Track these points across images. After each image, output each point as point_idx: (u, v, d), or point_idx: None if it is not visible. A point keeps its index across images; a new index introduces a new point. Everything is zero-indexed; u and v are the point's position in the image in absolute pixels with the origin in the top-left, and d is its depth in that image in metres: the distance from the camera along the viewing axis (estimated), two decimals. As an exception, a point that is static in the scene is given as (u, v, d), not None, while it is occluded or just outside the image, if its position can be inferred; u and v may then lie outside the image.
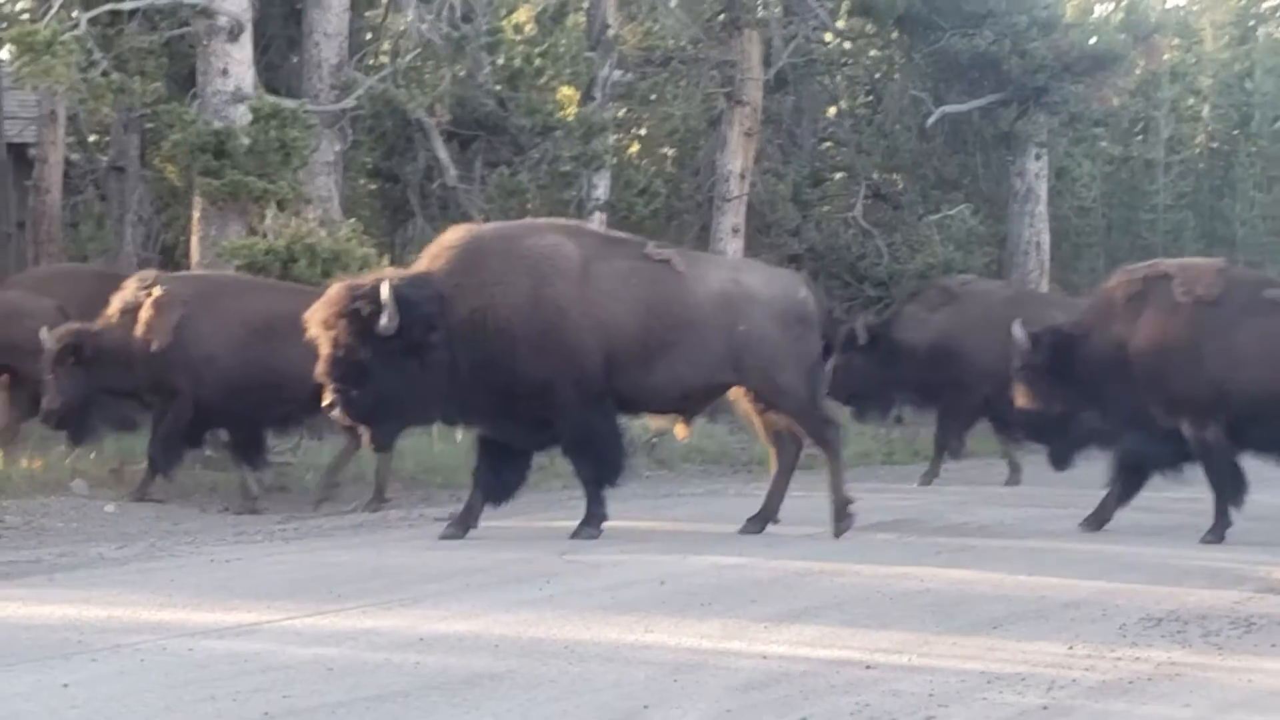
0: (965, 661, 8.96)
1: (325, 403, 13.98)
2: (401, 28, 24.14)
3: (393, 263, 22.45)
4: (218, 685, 8.15)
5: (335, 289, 13.97)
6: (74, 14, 19.39)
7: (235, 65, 19.88)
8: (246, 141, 19.43)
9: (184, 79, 22.07)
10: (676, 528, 15.30)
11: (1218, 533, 15.14)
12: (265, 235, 19.14)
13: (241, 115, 19.70)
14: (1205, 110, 44.28)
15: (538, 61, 22.96)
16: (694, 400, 15.06)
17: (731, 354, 14.54)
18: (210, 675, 8.38)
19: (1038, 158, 32.87)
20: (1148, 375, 15.18)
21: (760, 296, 14.78)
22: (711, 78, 28.86)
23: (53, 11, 19.10)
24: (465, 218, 22.88)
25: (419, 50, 22.99)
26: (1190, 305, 15.15)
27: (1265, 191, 42.11)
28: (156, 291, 16.87)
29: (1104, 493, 15.76)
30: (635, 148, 35.03)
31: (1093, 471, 16.51)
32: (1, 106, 26.28)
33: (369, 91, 21.96)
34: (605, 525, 14.47)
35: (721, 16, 29.50)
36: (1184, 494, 17.96)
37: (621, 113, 30.68)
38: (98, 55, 19.59)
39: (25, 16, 23.79)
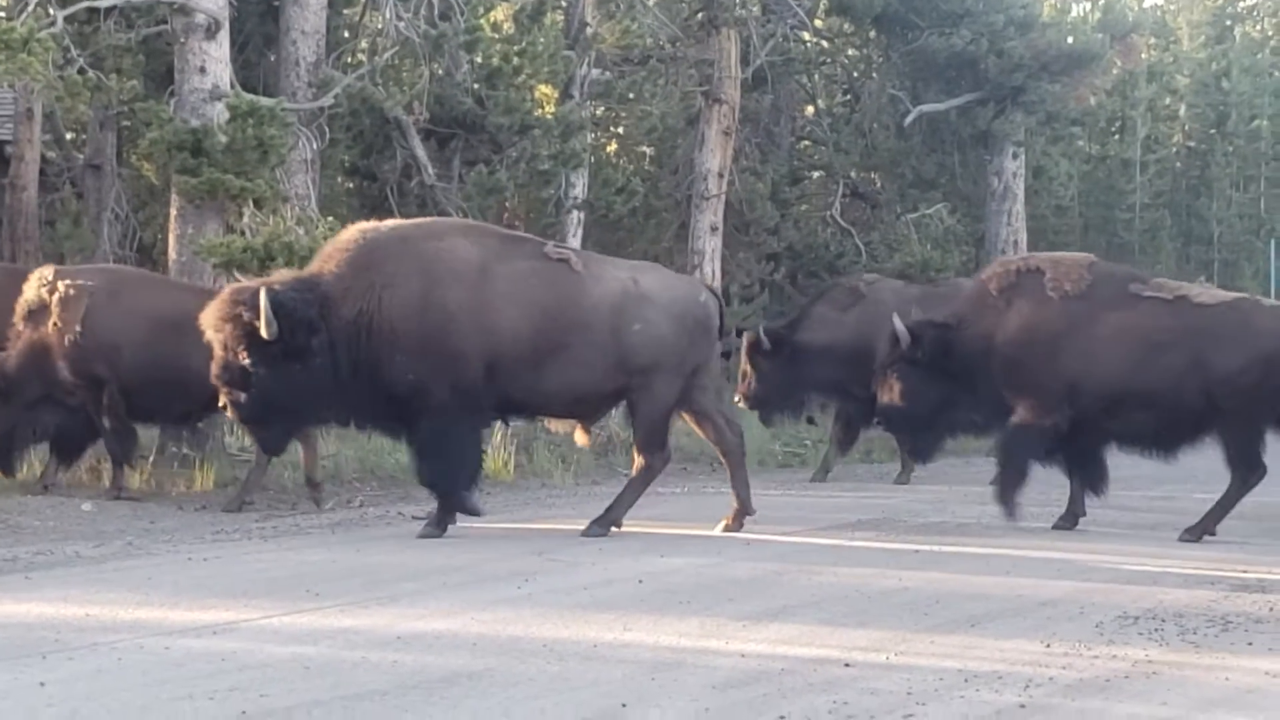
0: (943, 660, 8.97)
1: (220, 404, 14.23)
2: (379, 26, 24.11)
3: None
4: (195, 684, 8.14)
5: (224, 293, 14.07)
6: (50, 11, 19.32)
7: (212, 63, 19.82)
8: (224, 139, 19.38)
9: (161, 77, 22.03)
10: (655, 526, 15.28)
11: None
12: (243, 233, 19.10)
13: (219, 113, 19.65)
14: (1182, 109, 44.47)
15: (516, 60, 22.92)
16: (590, 403, 14.87)
17: (624, 356, 14.40)
18: (187, 674, 8.37)
19: (1015, 157, 32.96)
20: (1012, 366, 15.44)
21: (659, 298, 14.62)
22: (690, 76, 28.89)
23: (29, 9, 19.04)
24: (444, 215, 22.92)
25: (396, 48, 22.97)
26: (1058, 299, 15.41)
27: (1241, 190, 42.32)
28: (61, 287, 16.82)
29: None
30: (613, 146, 35.07)
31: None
32: (-23, 104, 26.24)
33: (346, 90, 21.93)
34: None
35: (699, 15, 29.52)
36: (1159, 492, 18.04)
37: (600, 111, 30.70)
38: (74, 53, 19.54)
39: (1, 14, 23.73)
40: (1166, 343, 15.09)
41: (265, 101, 20.23)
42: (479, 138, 23.54)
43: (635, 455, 15.07)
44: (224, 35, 19.97)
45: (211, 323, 13.85)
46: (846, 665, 8.81)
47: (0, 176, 25.84)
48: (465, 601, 10.70)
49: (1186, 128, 44.24)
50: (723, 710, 7.82)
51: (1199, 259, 41.63)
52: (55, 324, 16.71)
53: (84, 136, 27.33)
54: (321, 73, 22.15)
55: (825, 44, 34.76)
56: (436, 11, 22.64)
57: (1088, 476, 15.80)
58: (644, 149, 35.31)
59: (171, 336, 16.36)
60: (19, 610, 10.19)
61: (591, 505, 14.98)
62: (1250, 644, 9.67)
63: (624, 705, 7.86)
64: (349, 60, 24.23)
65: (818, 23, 33.77)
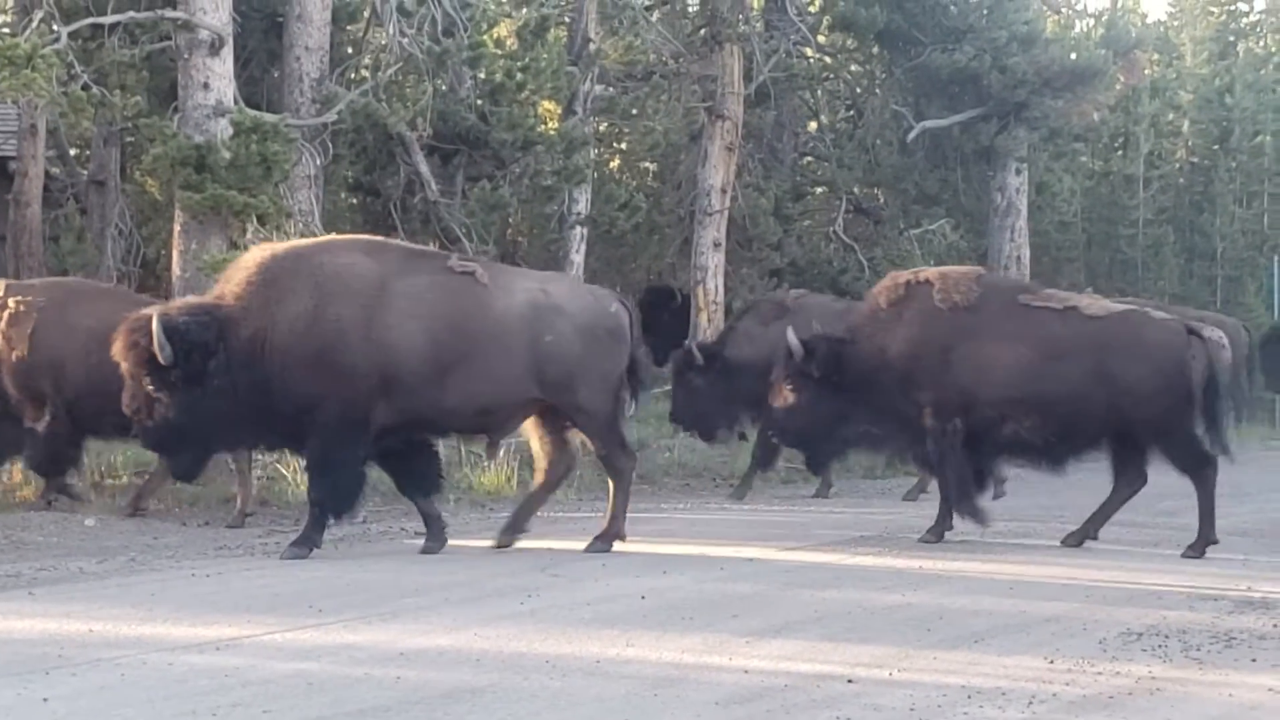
0: (946, 676, 8.97)
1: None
2: (383, 42, 24.15)
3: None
4: (198, 700, 8.14)
5: (125, 322, 14.02)
6: (55, 28, 19.36)
7: (216, 79, 19.85)
8: (227, 155, 19.41)
9: (165, 93, 22.08)
10: (658, 542, 15.27)
11: (937, 533, 15.74)
12: (246, 249, 19.11)
13: (222, 129, 19.68)
14: (1185, 125, 44.47)
15: (519, 76, 22.94)
16: (498, 416, 14.70)
17: (535, 367, 14.28)
18: (191, 690, 8.37)
19: (1018, 172, 32.96)
20: (904, 378, 15.58)
21: (568, 308, 14.49)
22: (693, 92, 28.92)
23: (33, 25, 19.09)
24: (446, 232, 22.96)
25: (400, 64, 23.00)
26: (948, 311, 15.55)
27: (1245, 206, 42.30)
28: (12, 304, 16.82)
29: (1097, 505, 15.87)
30: (616, 162, 35.13)
31: (1076, 485, 16.50)
32: (-18, 120, 26.28)
33: (350, 106, 21.95)
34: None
35: (703, 31, 29.57)
36: (1164, 506, 18.02)
37: (603, 127, 30.76)
38: (78, 69, 19.58)
39: (6, 30, 23.77)
40: (1058, 353, 15.34)
41: (269, 117, 20.26)
42: (482, 153, 23.56)
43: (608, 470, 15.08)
44: (228, 51, 20.00)
45: (117, 352, 13.83)
46: (849, 681, 8.80)
47: (4, 192, 25.89)
48: (468, 617, 10.70)
49: (1190, 144, 44.24)
50: (726, 726, 7.83)
51: (1202, 275, 41.63)
52: (7, 343, 16.72)
53: (88, 152, 27.39)
54: (325, 89, 22.18)
55: (828, 60, 34.78)
56: (440, 28, 22.68)
57: (962, 490, 15.94)
58: (647, 165, 35.37)
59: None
60: (22, 626, 10.19)
61: (594, 521, 14.97)
62: (1254, 660, 9.66)
63: (627, 721, 7.87)
64: (353, 76, 24.26)
65: (821, 39, 33.82)
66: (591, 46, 26.08)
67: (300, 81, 22.33)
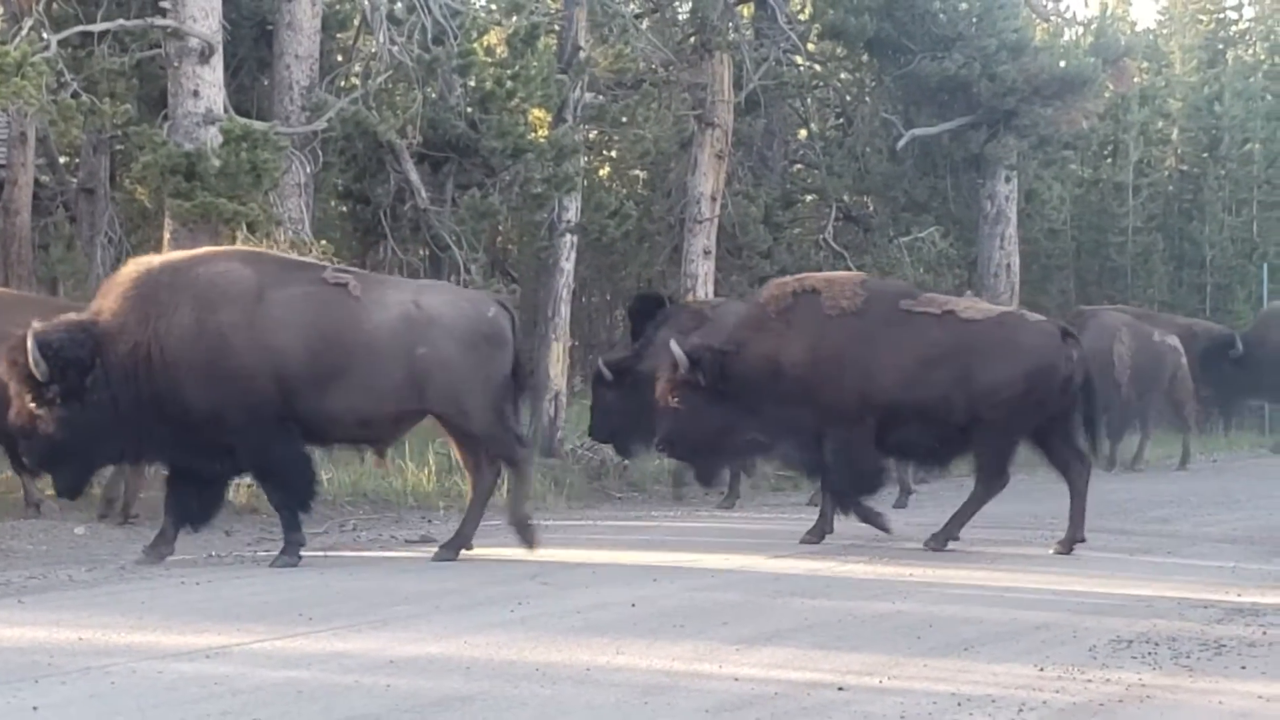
0: (936, 683, 8.98)
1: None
2: (373, 50, 24.10)
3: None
4: (188, 708, 8.13)
5: (11, 338, 13.98)
6: (44, 35, 19.33)
7: (206, 87, 19.83)
8: (217, 163, 19.38)
9: (154, 101, 22.03)
10: (648, 550, 15.28)
11: (817, 534, 16.09)
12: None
13: (212, 137, 19.66)
14: (1174, 133, 44.51)
15: (509, 84, 22.91)
16: (379, 428, 14.72)
17: (413, 379, 14.24)
18: (181, 698, 8.36)
19: (1007, 180, 32.97)
20: (796, 386, 15.70)
21: (443, 319, 14.43)
22: (683, 100, 28.88)
23: (23, 33, 19.05)
24: (436, 240, 22.94)
25: (390, 72, 22.96)
26: (836, 317, 15.74)
27: (1234, 214, 42.34)
28: None
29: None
30: (606, 170, 35.11)
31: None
32: (-28, 129, 26.23)
33: (340, 113, 21.92)
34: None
35: (692, 39, 29.52)
36: (1155, 514, 18.05)
37: (593, 135, 30.72)
38: (68, 77, 19.54)
39: (-5, 38, 23.74)
40: (935, 357, 15.63)
41: (259, 125, 20.24)
42: (472, 161, 23.53)
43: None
44: (217, 59, 19.98)
45: (1, 371, 13.85)
46: (840, 689, 8.80)
47: (-7, 201, 25.82)
48: (458, 625, 10.70)
49: (1179, 152, 44.28)
50: (716, 734, 7.83)
51: (1191, 282, 41.67)
52: None
53: (77, 160, 27.31)
54: (315, 97, 22.14)
55: (818, 68, 34.76)
56: (430, 36, 22.65)
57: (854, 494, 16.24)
58: (637, 172, 35.35)
59: None
60: (12, 634, 10.17)
61: (585, 530, 14.96)
62: (1244, 668, 9.68)
63: (617, 729, 7.87)
64: (342, 84, 24.21)
65: (810, 47, 33.78)
66: (581, 54, 26.05)
67: (290, 89, 22.29)
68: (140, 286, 14.01)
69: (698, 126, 28.68)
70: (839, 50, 34.02)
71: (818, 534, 16.15)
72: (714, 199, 28.81)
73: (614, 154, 34.79)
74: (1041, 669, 9.43)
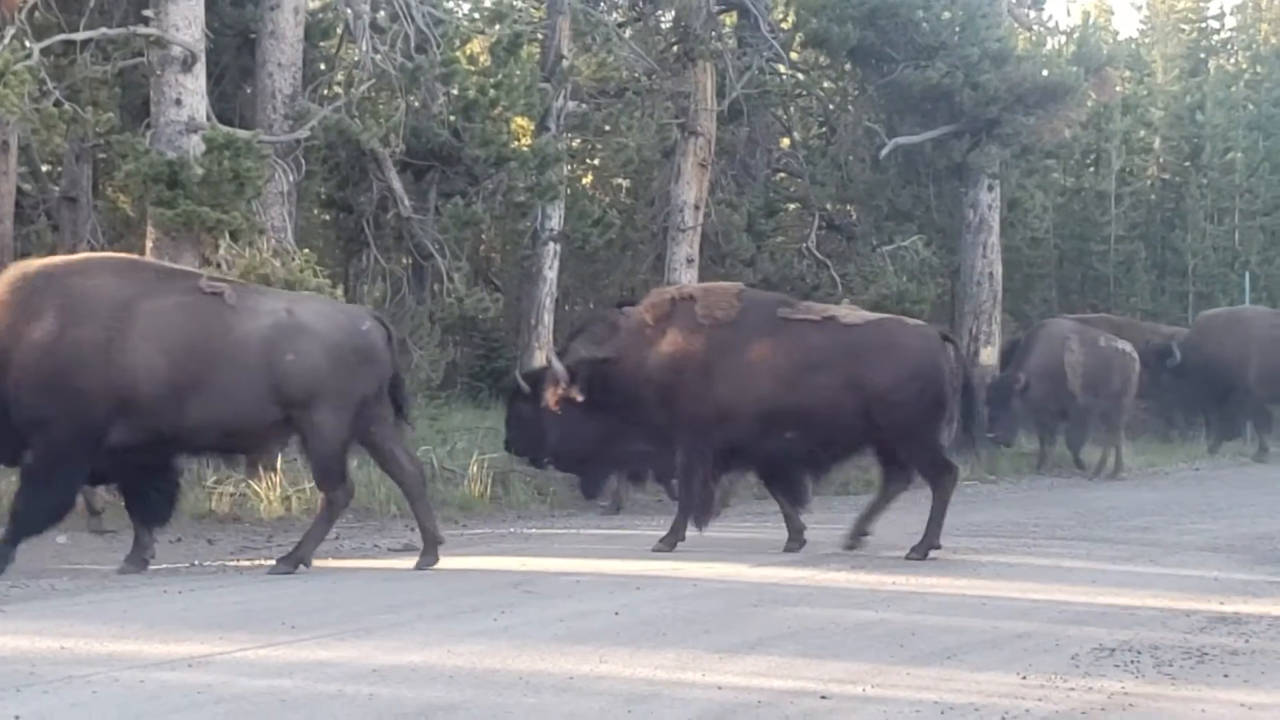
0: (919, 692, 8.98)
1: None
2: (355, 58, 24.10)
3: (346, 294, 22.53)
4: (170, 717, 8.12)
5: None
6: (26, 44, 19.30)
7: (188, 95, 19.82)
8: (200, 172, 19.37)
9: (137, 109, 22.01)
10: (631, 559, 15.27)
11: (670, 542, 16.08)
12: (219, 266, 19.07)
13: (195, 145, 19.64)
14: (1156, 142, 44.57)
15: (492, 92, 22.91)
16: (245, 437, 14.65)
17: (276, 387, 14.15)
18: (163, 707, 8.35)
19: (990, 189, 32.99)
20: (665, 393, 15.84)
21: (313, 328, 14.33)
22: (666, 109, 28.91)
23: (4, 42, 19.02)
24: (419, 248, 22.94)
25: (373, 81, 22.95)
26: (709, 326, 15.85)
27: (1216, 223, 42.40)
28: None
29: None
30: (589, 178, 35.08)
31: (1046, 501, 16.53)
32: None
33: (323, 122, 21.91)
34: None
35: (675, 48, 29.55)
36: (1136, 523, 18.07)
37: (576, 143, 30.71)
38: (50, 85, 19.51)
39: (-23, 46, 23.69)
40: (817, 363, 15.74)
41: (241, 134, 20.23)
42: (455, 170, 23.53)
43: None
44: (200, 68, 19.97)
45: None
46: (823, 697, 8.81)
47: (-25, 209, 25.76)
48: (441, 634, 10.69)
49: (1161, 160, 44.33)
50: (699, 743, 7.83)
51: (1174, 291, 41.73)
52: None
53: (60, 169, 27.25)
54: (298, 105, 22.14)
55: (801, 77, 34.78)
56: (413, 44, 22.65)
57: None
58: (620, 181, 35.34)
59: None
60: (-7, 644, 10.16)
61: (568, 538, 14.95)
62: (1226, 676, 9.69)
63: (600, 738, 7.87)
64: (325, 92, 24.21)
65: (793, 55, 33.80)
66: (564, 63, 26.08)
67: (273, 98, 22.28)
68: (15, 292, 13.97)
69: (681, 135, 28.70)
70: (822, 59, 34.05)
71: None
72: (697, 207, 28.84)
73: (597, 162, 34.78)
74: (1024, 677, 9.44)
